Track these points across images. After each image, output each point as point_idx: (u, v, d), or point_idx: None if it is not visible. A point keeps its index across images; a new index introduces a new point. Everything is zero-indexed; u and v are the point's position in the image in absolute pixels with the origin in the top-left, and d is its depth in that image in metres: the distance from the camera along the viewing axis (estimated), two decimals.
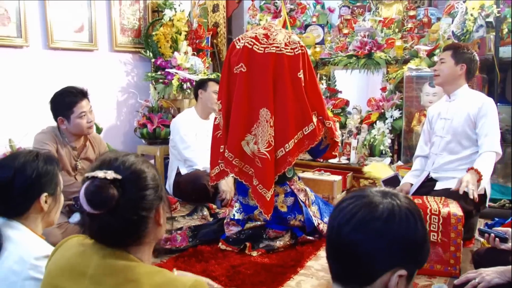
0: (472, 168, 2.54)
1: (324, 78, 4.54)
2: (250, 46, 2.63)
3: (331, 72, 4.55)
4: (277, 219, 2.83)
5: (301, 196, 2.85)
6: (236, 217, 2.86)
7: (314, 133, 2.65)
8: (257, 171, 2.63)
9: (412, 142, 3.86)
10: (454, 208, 2.38)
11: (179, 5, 4.55)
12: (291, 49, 2.63)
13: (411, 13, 4.40)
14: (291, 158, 2.63)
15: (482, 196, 2.71)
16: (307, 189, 2.98)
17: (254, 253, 2.68)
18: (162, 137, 4.30)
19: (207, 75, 4.54)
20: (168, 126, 4.16)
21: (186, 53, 4.52)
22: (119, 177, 1.06)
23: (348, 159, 4.08)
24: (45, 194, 1.51)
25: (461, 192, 2.40)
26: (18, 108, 3.51)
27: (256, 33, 2.69)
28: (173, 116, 4.28)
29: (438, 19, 4.22)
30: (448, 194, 2.56)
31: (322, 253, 2.70)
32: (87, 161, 2.88)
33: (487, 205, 2.84)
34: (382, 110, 4.13)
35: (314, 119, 2.67)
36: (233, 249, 2.74)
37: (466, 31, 3.63)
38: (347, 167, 3.97)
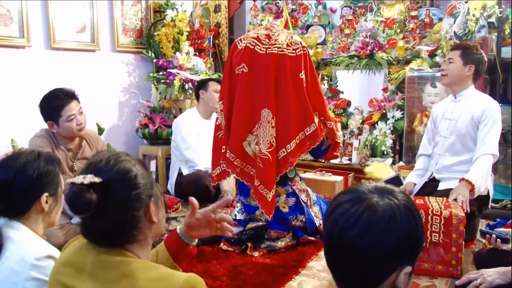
0: (463, 179, 2.55)
1: (325, 78, 4.54)
2: (252, 47, 2.63)
3: (333, 73, 4.55)
4: (279, 220, 2.83)
5: (302, 197, 2.85)
6: (237, 218, 2.86)
7: (315, 134, 2.65)
8: (258, 172, 2.63)
9: (414, 142, 3.86)
10: (455, 209, 2.38)
11: (181, 6, 4.56)
12: (293, 49, 2.63)
13: (413, 13, 4.40)
14: (293, 159, 2.63)
15: (485, 197, 2.72)
16: (309, 189, 2.98)
17: (256, 254, 2.69)
18: (164, 138, 4.31)
19: (208, 75, 4.55)
20: (169, 127, 4.17)
21: (188, 53, 4.53)
22: (97, 180, 1.07)
23: (350, 159, 4.08)
24: (46, 194, 1.50)
25: (450, 200, 2.47)
26: (20, 108, 3.51)
27: (258, 34, 2.69)
28: (175, 117, 4.28)
29: (440, 19, 4.22)
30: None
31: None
32: (84, 161, 2.83)
33: (489, 206, 2.84)
34: (384, 111, 4.12)
35: (316, 120, 2.67)
36: (235, 250, 2.74)
37: (468, 32, 3.63)
38: (349, 167, 3.97)
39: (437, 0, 4.59)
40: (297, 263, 2.55)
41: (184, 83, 4.34)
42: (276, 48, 2.61)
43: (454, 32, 3.68)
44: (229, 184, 3.51)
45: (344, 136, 4.15)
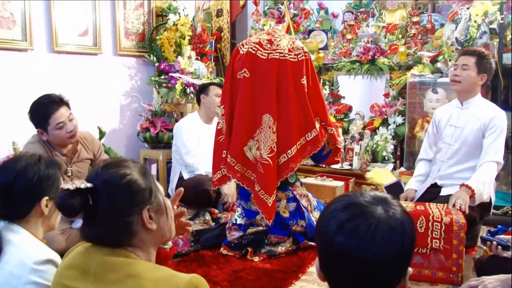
0: (463, 184, 2.54)
1: (327, 83, 4.55)
2: (254, 52, 2.64)
3: (334, 78, 4.55)
4: (279, 225, 2.83)
5: (303, 202, 2.85)
6: (238, 222, 2.86)
7: (316, 139, 2.65)
8: (259, 177, 2.63)
9: (415, 148, 3.86)
10: (456, 215, 2.38)
11: (183, 10, 4.57)
12: (295, 55, 2.63)
13: (415, 19, 4.41)
14: (294, 164, 2.63)
15: (487, 204, 2.71)
16: (309, 194, 2.98)
17: (256, 258, 2.68)
18: (165, 141, 4.31)
19: (210, 79, 4.56)
20: (171, 131, 4.17)
21: (189, 57, 4.53)
22: (83, 186, 1.11)
23: (351, 164, 4.07)
24: (46, 198, 1.50)
25: (450, 206, 2.47)
26: (22, 111, 3.49)
27: (260, 39, 2.69)
28: (176, 121, 4.28)
29: (442, 25, 4.23)
30: None
31: None
32: (82, 163, 2.81)
33: (491, 213, 2.83)
34: (385, 116, 4.12)
35: (317, 125, 2.67)
36: (235, 254, 2.74)
37: (470, 38, 3.63)
38: (350, 172, 3.96)
39: (439, 6, 4.60)
40: (297, 268, 2.54)
41: (186, 87, 4.35)
42: (278, 53, 2.62)
43: (456, 38, 3.68)
44: (229, 188, 3.51)
45: (345, 141, 4.15)
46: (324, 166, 3.91)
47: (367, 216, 0.92)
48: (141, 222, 1.17)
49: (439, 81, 3.74)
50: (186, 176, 3.77)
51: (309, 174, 3.97)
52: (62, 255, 1.31)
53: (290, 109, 2.62)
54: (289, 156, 2.62)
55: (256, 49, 2.64)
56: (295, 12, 5.07)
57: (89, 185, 1.13)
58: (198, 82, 4.35)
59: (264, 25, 4.90)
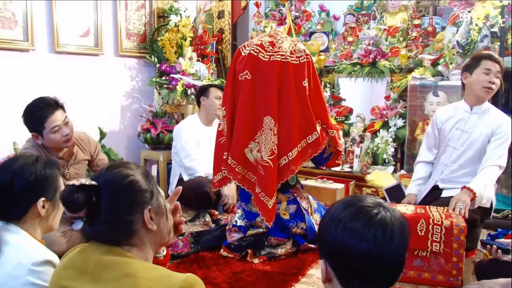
0: (465, 187, 2.54)
1: (328, 85, 4.55)
2: (256, 54, 2.64)
3: (335, 80, 4.55)
4: (279, 227, 2.82)
5: (303, 204, 2.85)
6: (238, 224, 2.86)
7: (317, 142, 2.65)
8: (259, 179, 2.63)
9: (416, 151, 3.86)
10: (456, 219, 2.37)
11: (184, 11, 4.58)
12: (297, 57, 2.63)
13: (416, 22, 4.41)
14: (294, 167, 2.63)
15: (488, 207, 2.71)
16: (310, 196, 2.98)
17: (256, 260, 2.68)
18: (166, 143, 4.31)
19: (211, 81, 4.56)
20: (171, 132, 4.17)
21: (191, 58, 4.54)
22: (87, 183, 1.14)
23: (351, 167, 4.07)
24: (43, 199, 1.50)
25: (450, 210, 2.45)
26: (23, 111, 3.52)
27: (261, 41, 2.69)
28: (177, 122, 4.29)
29: (443, 28, 4.23)
30: None
31: None
32: (79, 165, 2.78)
33: (491, 216, 2.83)
34: (386, 119, 4.13)
35: (318, 128, 2.67)
36: (235, 256, 2.74)
37: (471, 41, 3.63)
38: (350, 175, 3.96)
39: (440, 8, 4.60)
40: (297, 271, 2.54)
41: (187, 89, 4.35)
42: (279, 56, 2.62)
43: (457, 41, 3.68)
44: (230, 190, 3.51)
45: (345, 144, 4.15)
46: (324, 168, 3.91)
47: (381, 222, 1.03)
48: (142, 222, 1.19)
49: (440, 84, 3.74)
50: (186, 178, 3.77)
51: (309, 176, 3.97)
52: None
53: (292, 111, 2.62)
54: (290, 158, 2.62)
55: (258, 51, 2.64)
56: (297, 14, 5.08)
57: (93, 182, 1.15)
58: (199, 83, 4.36)
59: (265, 27, 4.91)
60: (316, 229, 2.84)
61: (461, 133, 2.77)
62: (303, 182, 3.56)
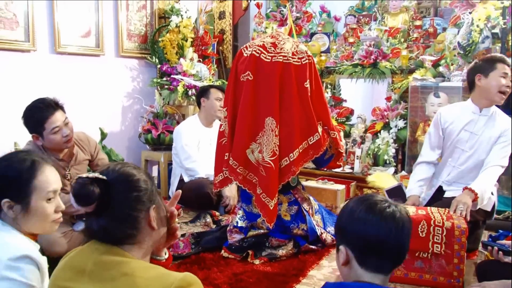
0: (466, 188, 2.53)
1: (329, 86, 4.55)
2: (258, 55, 2.64)
3: (336, 81, 4.56)
4: (280, 228, 2.82)
5: (304, 205, 2.85)
6: (239, 225, 2.86)
7: (319, 143, 2.65)
8: (261, 180, 2.63)
9: (417, 152, 3.85)
10: (458, 220, 2.37)
11: (185, 12, 4.58)
12: (298, 58, 2.63)
13: (417, 23, 4.41)
14: (295, 168, 2.62)
15: (491, 208, 2.70)
16: (311, 198, 2.98)
17: (257, 261, 2.68)
18: (167, 143, 4.31)
19: (212, 81, 4.56)
20: (172, 132, 4.17)
21: (192, 59, 4.54)
22: (102, 177, 1.15)
23: (352, 168, 4.08)
24: (6, 200, 1.44)
25: (451, 212, 2.43)
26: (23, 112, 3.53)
27: (263, 42, 2.70)
28: (178, 122, 4.29)
29: (444, 29, 4.23)
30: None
31: (325, 262, 2.69)
32: (80, 165, 2.76)
33: (493, 217, 2.83)
34: (387, 120, 4.13)
35: (320, 129, 2.67)
36: (236, 257, 2.74)
37: (472, 42, 3.63)
38: (351, 176, 3.96)
39: (441, 10, 4.60)
40: (298, 272, 2.54)
41: (188, 89, 4.35)
42: (281, 57, 2.62)
43: (458, 43, 3.68)
44: (231, 190, 3.52)
45: (346, 145, 4.15)
46: (325, 169, 3.91)
47: (392, 216, 1.28)
48: (147, 219, 1.20)
49: (441, 85, 3.74)
50: (186, 179, 3.77)
51: (310, 177, 3.97)
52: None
53: (293, 112, 2.62)
54: (291, 159, 2.61)
55: (260, 52, 2.64)
56: (298, 15, 5.08)
57: (104, 177, 1.16)
58: (200, 84, 4.36)
59: (266, 27, 4.91)
60: (317, 230, 2.84)
61: (470, 135, 2.73)
62: (304, 183, 3.56)
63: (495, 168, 2.61)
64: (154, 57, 4.54)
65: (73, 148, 2.71)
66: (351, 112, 4.46)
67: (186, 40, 4.58)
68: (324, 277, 2.49)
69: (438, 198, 2.76)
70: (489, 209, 2.66)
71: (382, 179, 3.67)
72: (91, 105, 4.12)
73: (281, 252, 2.76)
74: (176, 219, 1.38)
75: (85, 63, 4.09)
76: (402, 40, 4.38)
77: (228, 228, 2.90)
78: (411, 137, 3.96)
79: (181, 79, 4.37)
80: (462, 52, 3.65)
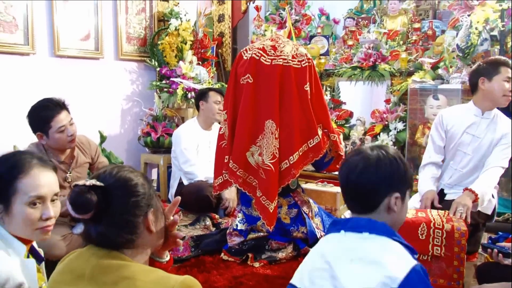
0: (467, 189, 2.53)
1: (328, 89, 4.55)
2: (258, 57, 2.64)
3: (335, 83, 4.56)
4: (280, 231, 2.82)
5: (304, 208, 2.85)
6: (239, 228, 2.86)
7: (318, 146, 2.65)
8: (261, 183, 2.63)
9: (416, 154, 3.86)
10: (457, 223, 2.37)
11: (185, 15, 4.59)
12: (298, 61, 2.64)
13: (416, 25, 4.41)
14: (295, 171, 2.62)
15: (491, 211, 2.70)
16: (311, 200, 2.98)
17: (256, 264, 2.68)
18: (166, 146, 4.31)
19: (211, 84, 4.56)
20: (172, 135, 4.17)
21: (191, 62, 4.55)
22: (99, 184, 1.13)
23: None
24: None
25: (451, 215, 2.41)
26: (24, 115, 3.51)
27: (263, 45, 2.70)
28: (177, 125, 4.29)
29: (443, 31, 4.24)
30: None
31: None
32: (81, 168, 2.77)
33: (493, 220, 2.82)
34: (386, 122, 4.13)
35: (319, 132, 2.67)
36: (235, 260, 2.74)
37: (471, 45, 3.63)
38: None
39: (440, 12, 4.61)
40: None
41: (187, 92, 4.36)
42: (281, 60, 2.62)
43: (457, 45, 3.68)
44: (230, 193, 3.52)
45: (346, 147, 4.15)
46: (325, 171, 3.90)
47: (357, 154, 1.40)
48: (146, 223, 1.20)
49: (440, 88, 3.75)
50: (186, 182, 3.77)
51: (310, 180, 3.96)
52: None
53: (293, 115, 2.62)
54: (291, 162, 2.61)
55: (260, 54, 2.64)
56: (297, 17, 5.08)
57: (101, 184, 1.14)
58: (199, 87, 4.36)
59: (265, 30, 4.92)
60: (317, 233, 2.84)
61: (472, 137, 2.71)
62: (304, 185, 3.56)
63: (496, 169, 2.61)
64: (153, 60, 4.55)
65: (74, 150, 2.73)
66: (351, 114, 4.47)
67: (185, 43, 4.58)
68: None
69: (440, 201, 2.76)
70: (489, 212, 2.66)
71: None
72: (90, 108, 4.12)
73: (280, 255, 2.76)
74: (177, 226, 1.38)
75: (84, 66, 4.09)
76: (401, 42, 4.39)
77: (227, 231, 2.90)
78: (410, 139, 3.96)
79: (180, 82, 4.37)
80: (461, 54, 3.65)
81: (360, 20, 4.93)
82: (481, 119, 2.71)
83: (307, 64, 2.65)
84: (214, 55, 4.98)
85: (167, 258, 1.40)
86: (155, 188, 4.54)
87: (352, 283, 1.24)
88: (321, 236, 2.85)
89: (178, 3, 4.71)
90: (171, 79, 4.42)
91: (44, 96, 2.64)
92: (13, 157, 1.46)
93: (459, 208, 2.42)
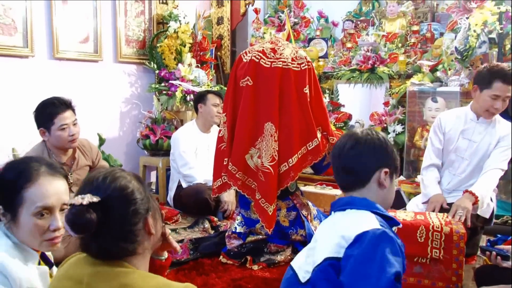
0: (467, 191, 2.53)
1: (327, 92, 4.55)
2: (257, 60, 2.64)
3: (334, 86, 4.56)
4: (279, 234, 2.82)
5: (303, 211, 2.84)
6: (237, 230, 2.85)
7: (318, 149, 2.65)
8: (260, 185, 2.63)
9: (415, 157, 3.87)
10: (456, 225, 2.37)
11: (184, 17, 4.59)
12: (298, 64, 2.64)
13: (414, 28, 4.43)
14: (294, 173, 2.62)
15: (489, 215, 2.70)
16: (309, 203, 2.98)
17: (255, 267, 2.67)
18: (165, 149, 4.31)
19: (210, 87, 4.56)
20: (171, 138, 4.17)
21: (190, 65, 4.55)
22: (96, 199, 1.08)
23: None
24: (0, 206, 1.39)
25: (451, 217, 2.41)
26: (23, 117, 3.52)
27: (263, 47, 2.70)
28: (176, 128, 4.29)
29: (441, 34, 4.25)
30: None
31: None
32: (81, 170, 2.79)
33: (492, 223, 2.82)
34: (385, 125, 4.13)
35: (319, 135, 2.67)
36: (234, 263, 2.73)
37: (469, 47, 3.64)
38: None
39: (439, 15, 4.62)
40: None
41: (186, 95, 4.36)
42: (281, 62, 2.62)
43: (455, 48, 3.69)
44: (229, 196, 3.51)
45: None
46: (323, 174, 3.91)
47: (347, 136, 1.54)
48: (146, 228, 1.18)
49: (438, 90, 3.76)
50: (184, 185, 3.77)
51: (309, 183, 3.97)
52: (60, 262, 1.29)
53: (292, 118, 2.62)
54: (290, 165, 2.61)
55: (259, 57, 2.65)
56: (296, 20, 5.09)
57: (98, 198, 1.10)
58: (198, 89, 4.36)
59: (264, 33, 4.92)
60: None
61: (468, 142, 2.72)
62: (302, 188, 3.56)
63: (495, 171, 2.61)
64: (152, 62, 4.55)
65: (75, 152, 2.77)
66: (349, 117, 4.47)
67: (184, 46, 4.58)
68: None
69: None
70: (487, 216, 2.66)
71: None
72: (89, 111, 4.12)
73: (279, 257, 2.76)
74: (170, 236, 1.36)
75: (83, 69, 4.09)
76: (400, 45, 4.40)
77: (226, 234, 2.89)
78: (409, 142, 3.96)
79: (179, 84, 4.37)
80: (459, 57, 3.66)
81: (359, 22, 4.94)
82: (476, 124, 2.72)
83: (306, 67, 2.65)
84: (213, 58, 4.98)
85: (166, 256, 1.40)
86: (154, 191, 4.54)
87: (321, 250, 1.39)
88: None
89: (177, 6, 4.71)
90: (170, 81, 4.42)
91: (43, 99, 2.67)
92: (21, 164, 1.42)
93: (459, 211, 2.43)
